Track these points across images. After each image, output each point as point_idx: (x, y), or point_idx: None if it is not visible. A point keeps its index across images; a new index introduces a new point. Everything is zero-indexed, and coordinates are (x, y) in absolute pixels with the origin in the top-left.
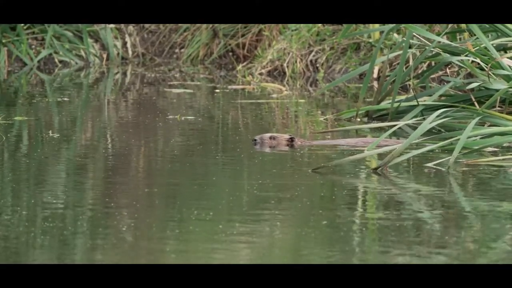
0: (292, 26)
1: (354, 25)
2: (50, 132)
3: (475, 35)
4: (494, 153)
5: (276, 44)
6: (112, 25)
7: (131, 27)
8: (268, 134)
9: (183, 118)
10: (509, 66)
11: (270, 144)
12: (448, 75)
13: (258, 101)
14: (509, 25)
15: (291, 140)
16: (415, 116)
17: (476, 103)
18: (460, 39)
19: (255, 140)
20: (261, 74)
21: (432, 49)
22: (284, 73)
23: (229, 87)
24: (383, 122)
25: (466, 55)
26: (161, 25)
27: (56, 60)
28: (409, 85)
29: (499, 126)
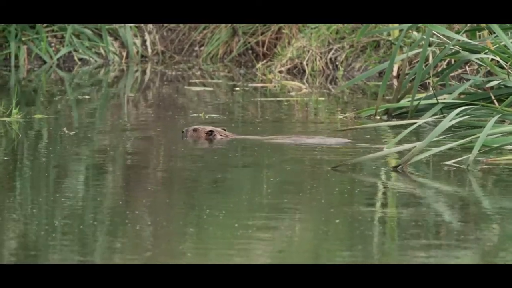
0: (312, 24)
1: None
2: (65, 129)
3: (494, 33)
4: None
5: (296, 42)
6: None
7: (150, 25)
8: (192, 127)
9: (207, 116)
10: None
11: (192, 136)
12: (467, 73)
13: (278, 99)
14: None
15: (210, 133)
16: (435, 114)
17: (495, 101)
18: (479, 37)
19: (183, 132)
20: (280, 72)
21: (451, 47)
22: (304, 71)
23: (249, 85)
24: (403, 120)
25: (486, 53)
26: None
27: (76, 58)
28: (429, 83)
29: None
